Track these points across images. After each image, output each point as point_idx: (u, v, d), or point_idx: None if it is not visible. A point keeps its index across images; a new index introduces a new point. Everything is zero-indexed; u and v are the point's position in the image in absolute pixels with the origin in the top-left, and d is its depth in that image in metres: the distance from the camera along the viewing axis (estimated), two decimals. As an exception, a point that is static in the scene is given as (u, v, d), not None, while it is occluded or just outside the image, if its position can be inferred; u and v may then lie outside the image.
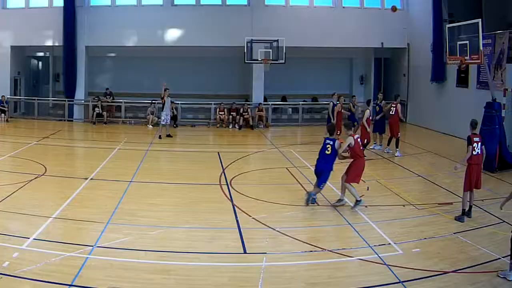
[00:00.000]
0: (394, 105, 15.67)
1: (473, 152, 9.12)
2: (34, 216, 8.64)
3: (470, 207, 9.25)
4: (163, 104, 17.96)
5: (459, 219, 9.07)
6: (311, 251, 7.60)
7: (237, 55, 21.48)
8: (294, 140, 19.33)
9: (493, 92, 13.70)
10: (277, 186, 11.64)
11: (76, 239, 7.77)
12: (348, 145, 9.55)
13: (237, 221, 8.89)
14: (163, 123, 18.12)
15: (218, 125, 21.81)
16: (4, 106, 21.49)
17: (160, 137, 17.93)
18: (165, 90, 17.75)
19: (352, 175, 9.63)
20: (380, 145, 16.23)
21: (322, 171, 9.68)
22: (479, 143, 9.22)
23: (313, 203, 9.75)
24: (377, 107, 16.40)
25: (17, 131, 19.72)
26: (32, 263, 6.68)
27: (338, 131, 16.22)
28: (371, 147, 15.90)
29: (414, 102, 22.79)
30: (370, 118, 15.34)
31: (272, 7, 22.86)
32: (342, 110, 16.99)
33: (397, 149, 15.24)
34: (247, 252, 7.57)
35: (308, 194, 9.84)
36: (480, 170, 9.33)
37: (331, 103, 17.65)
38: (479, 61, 13.30)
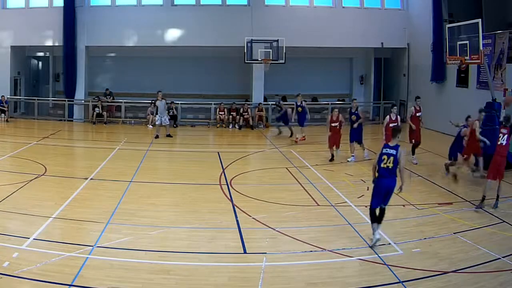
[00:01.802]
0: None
1: (498, 142, 9.69)
2: (34, 216, 8.64)
3: (497, 197, 9.69)
4: (157, 108, 18.03)
5: (478, 207, 9.49)
6: (311, 251, 7.60)
7: (237, 55, 21.50)
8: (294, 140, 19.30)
9: (493, 92, 13.71)
10: (277, 186, 11.65)
11: (76, 239, 7.77)
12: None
13: (237, 221, 8.89)
14: (157, 123, 18.13)
15: (218, 125, 21.81)
16: (4, 106, 21.49)
17: (157, 136, 17.90)
18: (157, 92, 17.92)
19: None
20: (353, 155, 14.26)
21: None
22: (506, 135, 9.62)
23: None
24: (353, 116, 14.52)
25: (17, 131, 19.72)
26: (32, 263, 6.68)
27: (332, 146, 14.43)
28: (348, 159, 14.17)
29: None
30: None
31: (272, 7, 22.87)
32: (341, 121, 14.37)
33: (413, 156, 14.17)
34: (247, 252, 7.57)
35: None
36: (504, 162, 9.71)
37: (295, 103, 18.09)
38: (479, 61, 13.32)
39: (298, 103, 18.15)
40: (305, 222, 8.91)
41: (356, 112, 14.64)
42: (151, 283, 6.42)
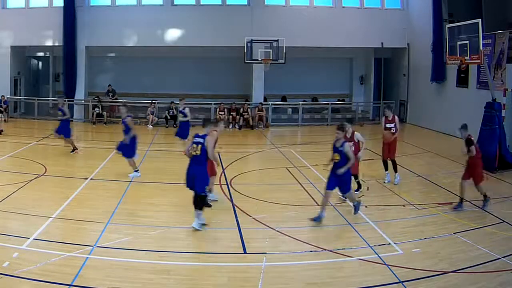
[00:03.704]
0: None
1: None
2: (34, 216, 8.64)
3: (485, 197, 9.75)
4: None
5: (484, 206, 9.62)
6: (311, 251, 7.60)
7: (237, 55, 21.49)
8: (294, 140, 19.31)
9: (493, 92, 13.71)
10: (277, 186, 11.64)
11: (76, 239, 7.77)
12: None
13: (237, 221, 8.89)
14: None
15: (218, 125, 21.77)
16: (2, 106, 21.47)
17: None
18: None
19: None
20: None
21: None
22: None
23: None
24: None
25: (17, 131, 19.71)
26: (32, 263, 6.68)
27: None
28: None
29: (414, 102, 22.80)
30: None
31: (272, 7, 22.88)
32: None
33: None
34: (247, 252, 7.57)
35: None
36: None
37: (178, 109, 17.24)
38: (479, 61, 13.30)
39: (181, 109, 15.60)
40: (305, 222, 8.90)
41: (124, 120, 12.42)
42: (151, 283, 6.42)
